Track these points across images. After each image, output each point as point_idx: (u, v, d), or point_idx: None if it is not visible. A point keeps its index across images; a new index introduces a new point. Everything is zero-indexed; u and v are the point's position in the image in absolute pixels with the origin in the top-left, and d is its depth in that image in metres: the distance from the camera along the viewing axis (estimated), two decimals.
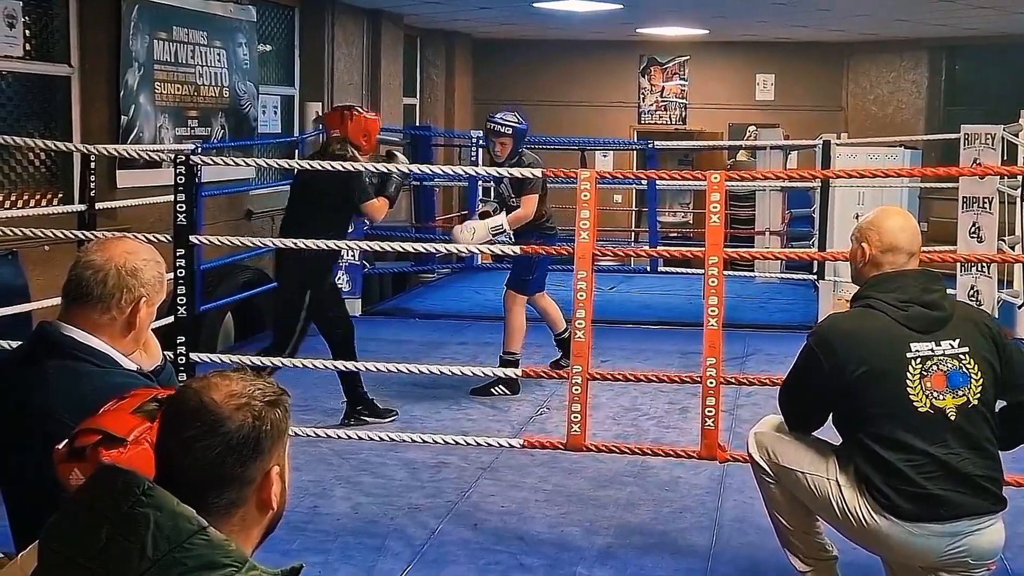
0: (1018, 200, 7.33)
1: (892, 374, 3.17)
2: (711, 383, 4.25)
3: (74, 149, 6.72)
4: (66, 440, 2.03)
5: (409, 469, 5.29)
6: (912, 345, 3.19)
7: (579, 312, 4.42)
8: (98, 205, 6.59)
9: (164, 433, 1.73)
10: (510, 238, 6.67)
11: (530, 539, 4.46)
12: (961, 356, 3.20)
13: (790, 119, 14.27)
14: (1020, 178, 7.14)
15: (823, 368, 3.23)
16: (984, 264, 6.23)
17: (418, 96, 13.94)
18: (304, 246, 5.19)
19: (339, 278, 9.12)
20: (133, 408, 2.02)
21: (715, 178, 4.34)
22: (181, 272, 4.79)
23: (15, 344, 3.94)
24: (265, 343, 6.26)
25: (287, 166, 5.74)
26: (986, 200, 6.43)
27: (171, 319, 4.79)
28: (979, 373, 3.20)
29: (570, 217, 4.71)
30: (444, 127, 13.80)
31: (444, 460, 5.39)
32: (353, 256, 9.18)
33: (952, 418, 3.17)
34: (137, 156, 6.98)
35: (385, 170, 5.79)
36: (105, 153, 6.07)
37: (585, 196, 4.42)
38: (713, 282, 4.27)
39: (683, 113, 15.86)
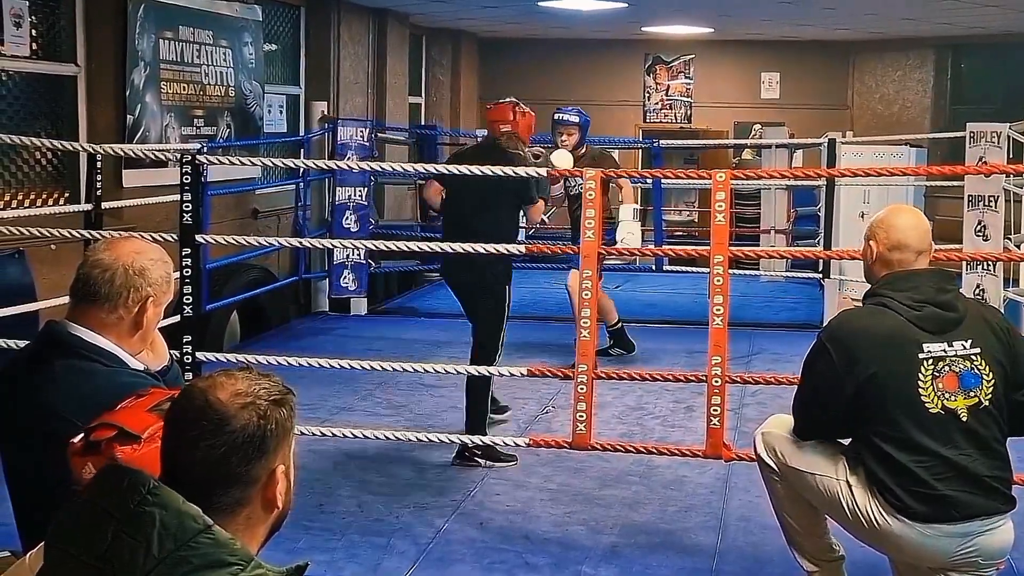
0: None
1: (904, 374, 3.16)
2: (716, 382, 4.25)
3: (80, 148, 6.73)
4: (82, 434, 2.04)
5: (415, 468, 5.29)
6: (925, 346, 3.18)
7: (584, 311, 4.43)
8: (104, 204, 6.60)
9: (169, 432, 1.74)
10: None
11: (535, 538, 4.46)
12: (973, 357, 3.19)
13: (795, 118, 14.25)
14: None
15: (834, 364, 3.21)
16: (990, 262, 6.21)
17: (423, 95, 13.94)
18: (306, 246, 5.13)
19: (345, 277, 9.14)
20: (150, 406, 2.03)
21: (720, 177, 4.34)
22: (187, 271, 4.80)
23: (22, 343, 3.95)
24: (268, 343, 6.24)
25: (292, 165, 5.74)
26: (992, 198, 6.42)
27: (177, 318, 4.80)
28: (991, 374, 3.19)
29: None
30: (450, 126, 13.79)
31: (450, 458, 5.39)
32: (358, 255, 9.19)
33: (963, 419, 3.16)
34: (143, 155, 6.99)
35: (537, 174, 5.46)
36: (111, 152, 6.08)
37: (590, 195, 4.42)
38: (718, 281, 4.27)
39: (688, 112, 15.84)
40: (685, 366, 6.94)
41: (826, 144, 9.08)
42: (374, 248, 5.49)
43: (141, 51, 7.70)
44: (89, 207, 6.52)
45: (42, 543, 1.75)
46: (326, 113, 9.98)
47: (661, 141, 10.48)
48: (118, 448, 1.95)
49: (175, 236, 4.83)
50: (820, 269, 9.09)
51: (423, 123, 13.18)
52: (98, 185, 6.51)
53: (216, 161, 6.01)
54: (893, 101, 14.76)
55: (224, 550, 1.60)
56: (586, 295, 4.44)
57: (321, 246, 8.39)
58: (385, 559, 4.22)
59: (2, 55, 6.72)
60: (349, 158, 8.96)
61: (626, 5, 11.30)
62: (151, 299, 2.53)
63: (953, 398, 3.16)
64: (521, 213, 5.91)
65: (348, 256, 9.14)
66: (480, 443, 5.26)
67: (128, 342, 2.52)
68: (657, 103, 15.93)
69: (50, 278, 6.19)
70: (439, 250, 4.90)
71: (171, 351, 2.76)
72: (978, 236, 6.44)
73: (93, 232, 5.59)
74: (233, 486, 1.70)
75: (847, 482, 3.28)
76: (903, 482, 3.15)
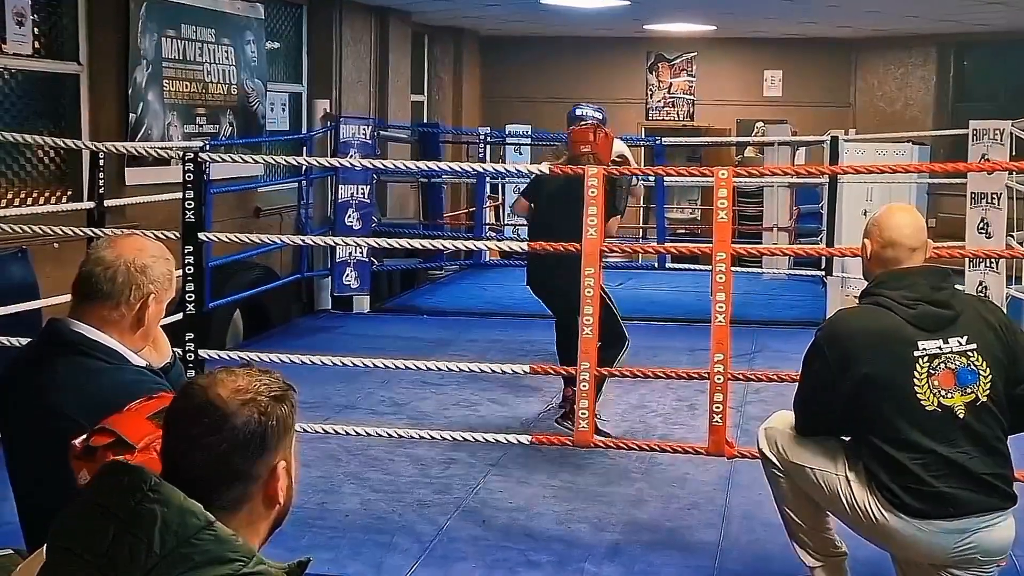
0: None
1: (899, 372, 3.16)
2: (719, 379, 4.24)
3: (83, 147, 6.74)
4: (84, 436, 2.04)
5: (418, 465, 5.30)
6: (919, 343, 3.18)
7: (586, 309, 4.43)
8: (107, 202, 6.60)
9: (171, 429, 1.74)
10: None
11: (538, 535, 4.46)
12: (969, 353, 3.19)
13: (798, 115, 14.23)
14: None
15: (829, 363, 3.22)
16: (992, 260, 6.21)
17: (426, 93, 13.94)
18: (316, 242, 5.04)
19: (347, 275, 9.15)
20: (151, 413, 2.03)
21: (723, 174, 4.33)
22: (190, 269, 4.80)
23: (25, 341, 3.96)
24: (271, 341, 6.24)
25: (295, 163, 5.74)
26: (994, 196, 6.41)
27: (180, 316, 4.81)
28: (988, 370, 3.19)
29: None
30: (452, 124, 13.79)
31: (452, 456, 5.40)
32: (361, 253, 9.20)
33: (960, 416, 3.16)
34: (146, 154, 6.99)
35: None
36: (114, 151, 6.08)
37: (592, 193, 4.42)
38: (721, 278, 4.27)
39: (691, 109, 15.84)
40: (688, 363, 6.93)
41: (829, 142, 9.08)
42: (376, 246, 5.48)
43: (143, 49, 7.70)
44: (92, 205, 6.52)
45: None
46: (328, 111, 9.98)
47: (664, 139, 10.48)
48: (112, 457, 1.95)
49: (177, 234, 4.83)
50: (823, 267, 9.09)
51: (425, 121, 13.19)
52: (101, 183, 6.51)
53: (219, 159, 6.01)
54: (896, 98, 14.75)
55: (226, 547, 1.60)
56: (588, 292, 4.43)
57: (323, 244, 8.38)
58: (388, 557, 4.23)
59: (5, 53, 6.73)
60: (351, 156, 8.95)
61: (628, 3, 11.30)
62: (153, 296, 2.53)
63: (949, 395, 3.16)
64: None
65: (350, 254, 9.15)
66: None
67: (130, 339, 2.52)
68: (660, 101, 15.93)
69: (53, 276, 6.20)
70: (441, 248, 4.84)
71: (174, 349, 2.77)
72: (981, 233, 6.43)
73: (96, 230, 5.59)
74: (234, 483, 1.70)
75: (846, 478, 3.29)
76: (900, 479, 3.15)
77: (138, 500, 1.61)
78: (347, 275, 9.20)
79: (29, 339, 2.89)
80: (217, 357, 5.05)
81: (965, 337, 3.21)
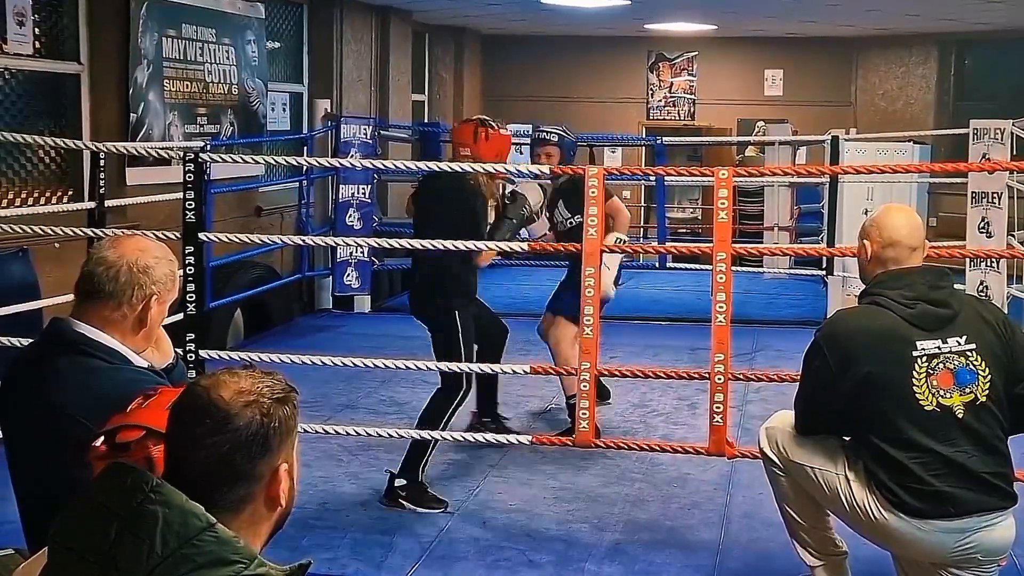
0: None
1: (897, 372, 3.17)
2: (720, 379, 4.25)
3: (84, 147, 6.74)
4: (101, 437, 2.03)
5: None
6: (918, 343, 3.18)
7: (587, 308, 4.43)
8: (108, 202, 6.61)
9: (173, 430, 1.74)
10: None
11: (539, 536, 4.46)
12: (968, 353, 3.20)
13: (799, 114, 14.23)
14: None
15: (829, 363, 3.23)
16: (993, 259, 6.21)
17: (427, 93, 13.94)
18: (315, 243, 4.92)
19: (348, 275, 9.15)
20: (168, 404, 2.03)
21: (723, 174, 4.34)
22: (191, 269, 4.80)
23: (25, 341, 3.96)
24: (272, 341, 6.23)
25: (296, 163, 5.74)
26: (995, 195, 6.41)
27: (181, 316, 4.81)
28: (987, 369, 3.19)
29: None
30: (453, 124, 13.79)
31: (453, 457, 5.40)
32: (362, 253, 9.20)
33: (960, 416, 3.16)
34: (146, 154, 7.00)
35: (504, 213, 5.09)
36: (115, 151, 6.08)
37: (593, 193, 4.42)
38: (721, 278, 4.27)
39: (692, 109, 15.83)
40: (688, 363, 6.94)
41: (829, 141, 9.07)
42: (377, 246, 5.47)
43: (144, 49, 7.70)
44: (92, 205, 6.53)
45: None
46: (329, 111, 9.98)
47: (664, 138, 10.47)
48: (152, 447, 1.94)
49: (178, 234, 4.83)
50: (823, 266, 9.09)
51: (426, 121, 13.18)
52: (101, 183, 6.51)
53: (219, 159, 6.01)
54: (897, 98, 14.75)
55: (227, 548, 1.60)
56: (589, 292, 4.43)
57: (324, 244, 8.38)
58: (388, 557, 4.23)
59: (5, 53, 6.73)
60: (352, 156, 8.96)
61: (629, 2, 11.30)
62: (155, 297, 2.53)
63: (948, 395, 3.16)
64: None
65: (351, 254, 9.15)
66: (406, 483, 4.81)
67: (132, 340, 2.53)
68: (660, 100, 15.92)
69: (54, 276, 6.20)
70: (442, 248, 4.77)
71: (175, 349, 2.77)
72: (981, 233, 6.43)
73: (97, 230, 5.59)
74: (236, 484, 1.70)
75: (846, 477, 3.30)
76: (900, 479, 3.16)
77: (140, 501, 1.61)
78: (348, 275, 9.20)
79: (30, 339, 2.89)
80: (218, 357, 5.05)
81: (964, 337, 3.21)
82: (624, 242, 5.76)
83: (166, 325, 2.70)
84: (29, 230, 5.55)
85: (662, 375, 5.07)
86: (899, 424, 3.15)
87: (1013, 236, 6.88)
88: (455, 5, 11.81)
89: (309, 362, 5.07)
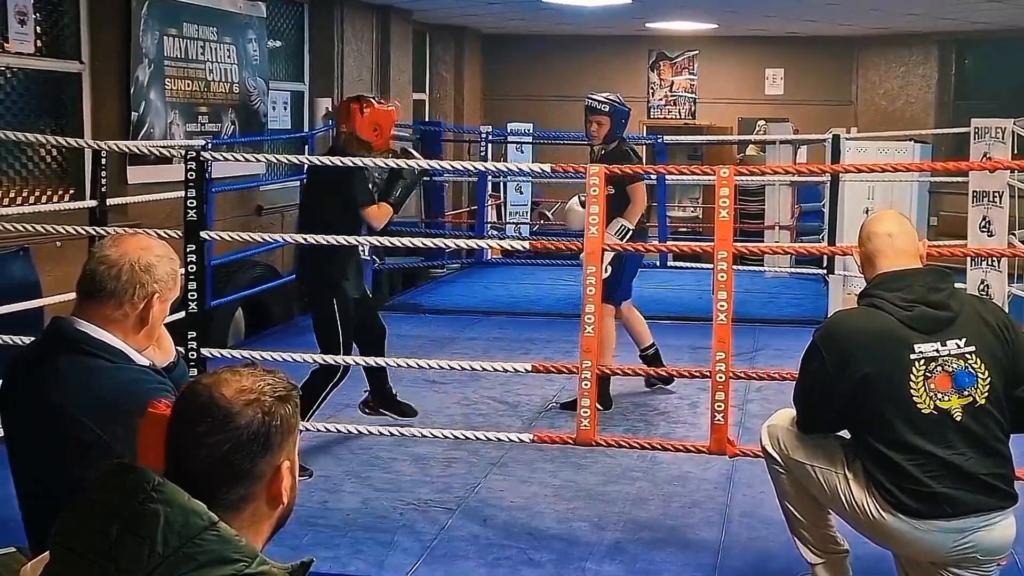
0: None
1: (895, 375, 3.16)
2: (720, 378, 4.25)
3: (85, 145, 6.74)
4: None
5: (419, 464, 5.30)
6: (916, 346, 3.17)
7: (588, 307, 4.43)
8: (109, 201, 6.60)
9: (174, 429, 1.74)
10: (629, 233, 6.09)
11: (539, 534, 4.46)
12: (967, 355, 3.18)
13: (799, 113, 14.24)
14: None
15: (826, 365, 3.23)
16: (994, 258, 6.21)
17: (427, 92, 13.94)
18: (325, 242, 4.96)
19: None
20: None
21: (724, 173, 4.33)
22: (192, 268, 4.80)
23: (27, 340, 3.96)
24: (273, 340, 6.26)
25: (297, 162, 5.74)
26: (996, 194, 6.40)
27: (182, 314, 4.81)
28: (986, 371, 3.18)
29: None
30: (453, 122, 13.80)
31: (453, 455, 5.40)
32: (362, 251, 9.19)
33: (958, 419, 3.15)
34: (148, 152, 7.00)
35: (388, 169, 5.25)
36: (116, 149, 6.09)
37: (594, 191, 4.42)
38: (722, 277, 4.27)
39: (692, 108, 15.84)
40: (689, 362, 6.93)
41: (830, 140, 9.07)
42: (378, 245, 5.47)
43: (145, 48, 7.71)
44: (94, 204, 6.53)
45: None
46: (330, 109, 9.99)
47: (665, 137, 10.48)
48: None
49: (180, 232, 4.84)
50: (824, 265, 9.08)
51: (427, 119, 13.18)
52: (103, 182, 6.51)
53: (220, 158, 6.01)
54: (897, 97, 14.75)
55: (229, 547, 1.61)
56: (590, 291, 4.43)
57: (325, 242, 8.38)
58: (389, 556, 4.23)
59: (7, 52, 6.74)
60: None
61: (630, 1, 11.30)
62: (157, 295, 2.53)
63: (946, 398, 3.15)
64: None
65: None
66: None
67: (134, 338, 2.53)
68: (661, 99, 15.93)
69: (55, 275, 6.21)
70: (442, 246, 4.79)
71: (176, 347, 2.77)
72: (982, 232, 6.43)
73: (98, 229, 5.60)
74: (238, 483, 1.71)
75: (846, 476, 3.30)
76: (897, 480, 3.16)
77: (141, 500, 1.62)
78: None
79: (31, 338, 2.89)
80: (219, 356, 5.06)
81: (964, 339, 3.20)
82: (626, 230, 5.93)
83: (167, 323, 2.70)
84: (30, 229, 5.56)
85: (663, 374, 5.06)
86: (896, 427, 3.15)
87: (1014, 235, 6.87)
88: (456, 4, 11.82)
89: (310, 361, 5.07)
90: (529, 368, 5.03)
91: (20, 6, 6.74)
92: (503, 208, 13.21)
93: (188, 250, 4.79)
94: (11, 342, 4.78)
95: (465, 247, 10.05)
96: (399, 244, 5.24)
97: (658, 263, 10.36)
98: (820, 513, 3.53)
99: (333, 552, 4.22)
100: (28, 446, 2.52)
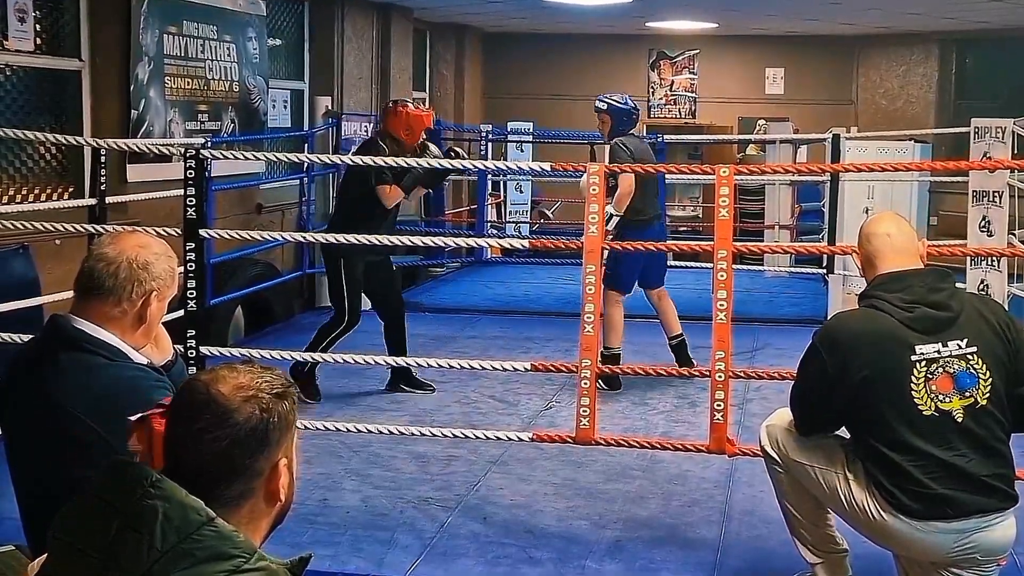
0: None
1: (896, 377, 3.15)
2: (720, 377, 4.25)
3: (84, 143, 6.73)
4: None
5: (419, 462, 5.30)
6: (917, 347, 3.17)
7: (587, 306, 4.43)
8: (108, 199, 6.60)
9: (173, 425, 1.74)
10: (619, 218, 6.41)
11: (539, 532, 4.46)
12: (969, 356, 3.18)
13: (800, 113, 14.24)
14: None
15: (826, 367, 3.22)
16: (994, 258, 6.20)
17: (428, 90, 13.94)
18: (335, 240, 5.45)
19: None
20: None
21: (724, 172, 4.33)
22: (191, 266, 4.80)
23: (26, 338, 3.96)
24: (275, 336, 6.30)
25: (297, 160, 5.75)
26: (996, 194, 6.39)
27: (182, 313, 4.81)
28: (988, 372, 3.17)
29: (579, 211, 4.71)
30: (454, 121, 13.79)
31: (453, 453, 5.40)
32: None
33: (959, 420, 3.14)
34: (147, 150, 6.99)
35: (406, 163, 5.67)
36: (115, 147, 6.09)
37: (594, 190, 4.42)
38: (722, 276, 4.27)
39: (693, 107, 15.84)
40: None
41: (830, 139, 9.07)
42: (378, 243, 5.47)
43: (145, 46, 7.70)
44: (93, 202, 6.53)
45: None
46: (330, 108, 9.98)
47: (665, 136, 10.47)
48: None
49: (179, 231, 4.83)
50: (824, 264, 9.08)
51: None
52: (102, 180, 6.51)
53: (220, 156, 6.01)
54: (897, 96, 14.75)
55: (227, 543, 1.61)
56: (589, 290, 4.43)
57: (325, 241, 8.39)
58: (389, 553, 4.23)
59: (7, 50, 6.73)
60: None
61: (630, 0, 11.30)
62: (155, 293, 2.53)
63: (947, 399, 3.14)
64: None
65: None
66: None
67: (132, 336, 2.52)
68: (661, 98, 15.93)
69: (54, 272, 6.20)
70: (442, 245, 4.84)
71: (175, 345, 2.77)
72: (982, 232, 6.42)
73: (97, 227, 5.59)
74: (236, 479, 1.71)
75: (846, 477, 3.30)
76: (898, 481, 3.15)
77: (140, 496, 1.62)
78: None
79: (30, 336, 2.89)
80: (218, 354, 5.06)
81: (965, 340, 3.19)
82: (611, 216, 6.22)
83: (167, 322, 2.70)
84: (30, 226, 5.55)
85: (663, 372, 5.06)
86: (897, 428, 3.14)
87: (1014, 235, 6.87)
88: (456, 3, 11.82)
89: (309, 360, 5.07)
90: (529, 367, 5.03)
91: (20, 4, 6.73)
92: (503, 207, 13.21)
93: (188, 248, 4.79)
94: (10, 340, 4.78)
95: (465, 246, 10.07)
96: (399, 242, 5.25)
97: None
98: (819, 513, 3.53)
99: (333, 550, 4.22)
100: (27, 445, 2.51)
